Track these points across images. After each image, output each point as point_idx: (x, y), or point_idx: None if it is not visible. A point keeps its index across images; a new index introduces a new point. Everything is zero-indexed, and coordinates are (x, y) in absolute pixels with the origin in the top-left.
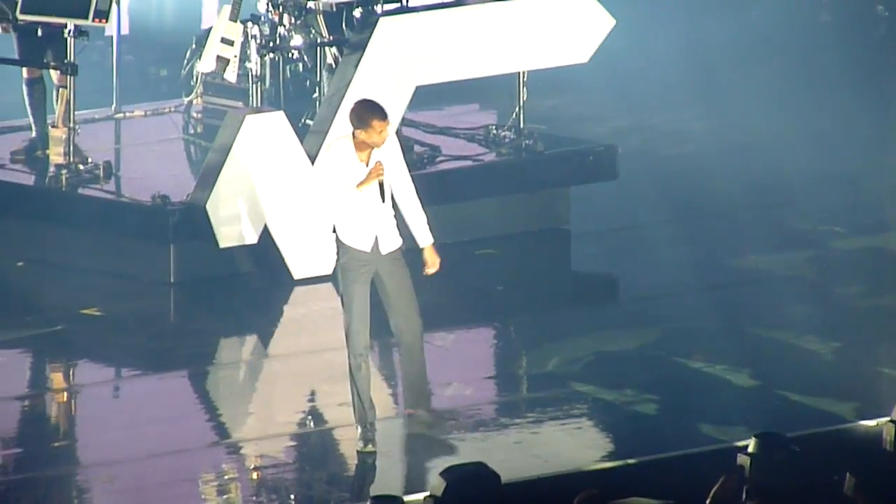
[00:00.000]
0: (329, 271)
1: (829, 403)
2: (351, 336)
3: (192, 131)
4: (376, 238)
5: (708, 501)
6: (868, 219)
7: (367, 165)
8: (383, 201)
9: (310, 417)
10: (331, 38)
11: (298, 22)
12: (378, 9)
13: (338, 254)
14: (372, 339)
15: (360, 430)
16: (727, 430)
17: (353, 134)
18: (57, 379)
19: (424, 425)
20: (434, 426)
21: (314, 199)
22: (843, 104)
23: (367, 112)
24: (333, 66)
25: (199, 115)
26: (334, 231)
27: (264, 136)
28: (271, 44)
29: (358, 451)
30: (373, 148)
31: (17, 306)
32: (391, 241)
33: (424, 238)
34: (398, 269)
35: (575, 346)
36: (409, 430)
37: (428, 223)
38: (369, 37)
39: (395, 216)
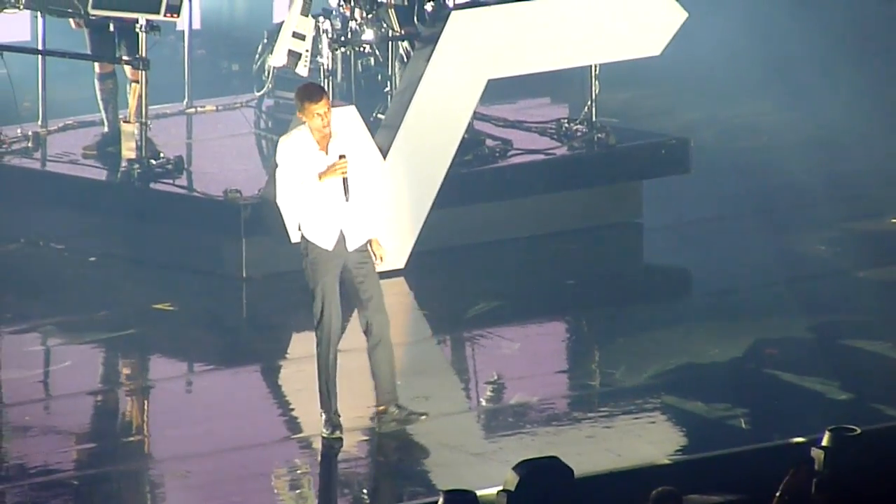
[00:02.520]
0: (401, 265)
1: None
2: (323, 325)
3: (263, 126)
4: (342, 233)
5: (778, 494)
6: None
7: (326, 154)
8: (347, 200)
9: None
10: (402, 31)
11: (370, 16)
12: (450, 2)
13: (305, 250)
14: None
15: (325, 416)
16: (801, 423)
17: None
18: (130, 374)
19: (396, 422)
20: (405, 422)
21: (276, 194)
22: None
23: (302, 96)
24: (405, 59)
25: (271, 110)
26: (299, 228)
27: None
28: (343, 38)
29: (324, 438)
30: (329, 136)
31: (90, 302)
32: (357, 237)
33: (371, 231)
34: (366, 262)
35: (648, 341)
36: (381, 428)
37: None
38: (441, 30)
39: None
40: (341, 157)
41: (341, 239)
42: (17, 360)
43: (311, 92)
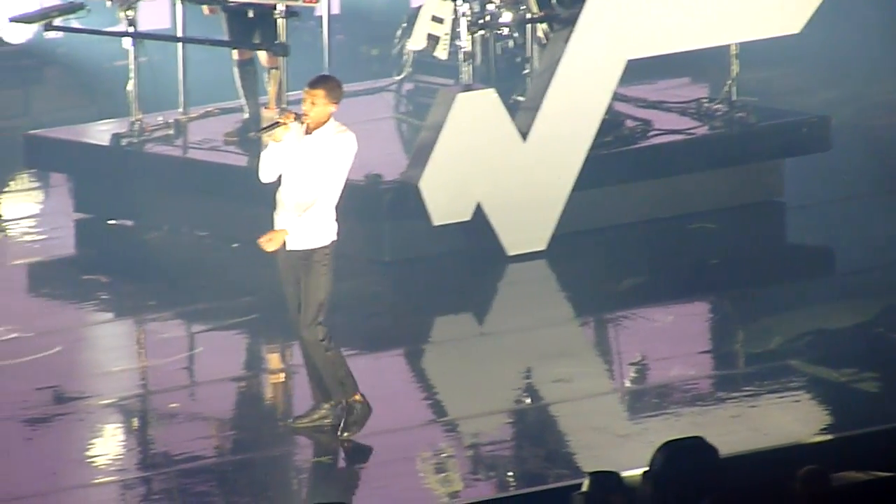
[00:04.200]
0: (542, 247)
1: None
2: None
3: (403, 110)
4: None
5: None
6: None
7: (301, 136)
8: (256, 133)
9: (526, 394)
10: (541, 13)
11: None
12: None
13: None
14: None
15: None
16: None
17: None
18: (273, 359)
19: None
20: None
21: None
22: None
23: None
24: (543, 41)
25: (410, 94)
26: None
27: (476, 113)
28: (481, 21)
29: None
30: (312, 126)
31: (233, 287)
32: (293, 240)
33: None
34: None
35: (791, 320)
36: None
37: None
38: (580, 11)
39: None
40: (292, 116)
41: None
42: (161, 347)
43: (311, 80)
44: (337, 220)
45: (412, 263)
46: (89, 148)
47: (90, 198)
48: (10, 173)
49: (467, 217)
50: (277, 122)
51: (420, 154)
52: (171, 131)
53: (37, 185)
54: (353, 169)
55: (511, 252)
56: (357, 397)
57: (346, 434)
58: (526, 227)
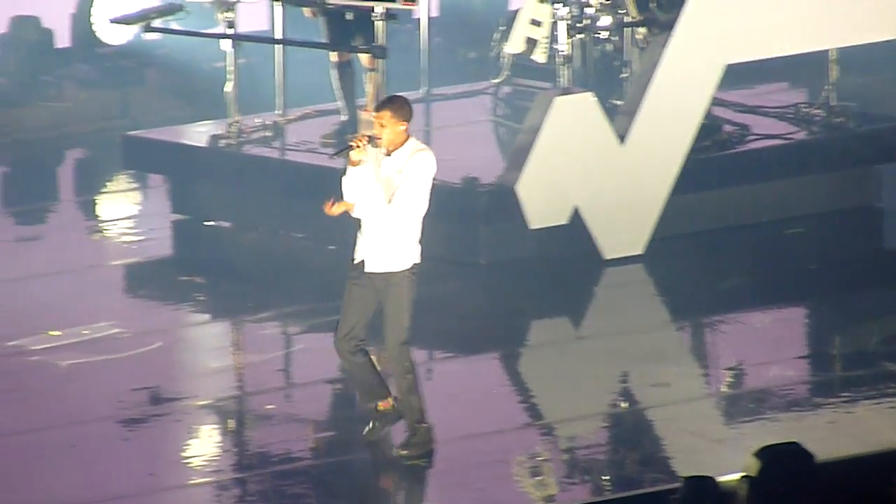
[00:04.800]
0: (640, 251)
1: None
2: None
3: (500, 113)
4: (364, 254)
5: None
6: None
7: (376, 161)
8: (333, 155)
9: (622, 398)
10: (640, 17)
11: (607, 2)
12: None
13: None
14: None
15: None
16: None
17: None
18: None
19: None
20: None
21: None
22: None
23: None
24: (642, 45)
25: (508, 97)
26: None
27: (574, 116)
28: (580, 24)
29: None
30: (390, 148)
31: (329, 289)
32: (374, 262)
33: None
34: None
35: (889, 325)
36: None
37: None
38: (678, 15)
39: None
40: (369, 138)
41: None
42: (257, 349)
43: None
44: (420, 241)
45: (508, 266)
46: (187, 149)
47: (188, 199)
48: (109, 174)
49: (564, 220)
50: (350, 145)
51: (517, 157)
52: (269, 133)
53: (135, 186)
54: (449, 172)
55: (608, 256)
56: (424, 425)
57: (404, 452)
58: (623, 231)
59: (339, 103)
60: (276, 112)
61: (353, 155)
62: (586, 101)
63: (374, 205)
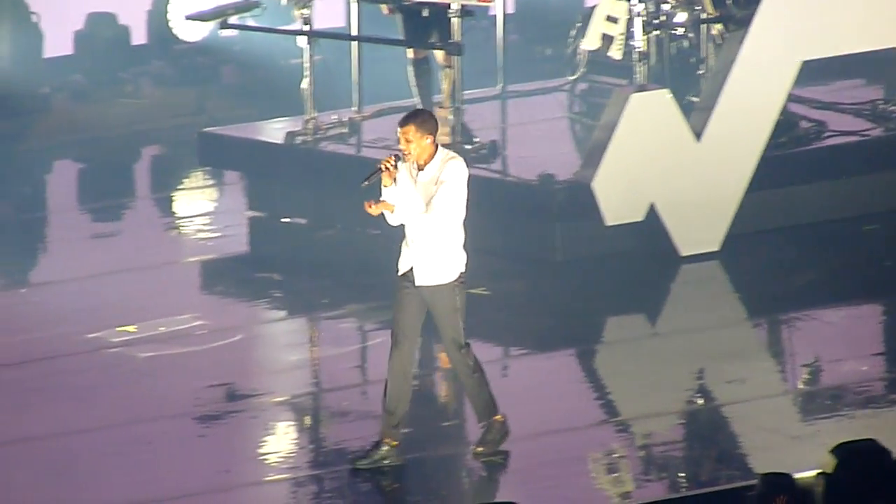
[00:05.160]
0: (716, 247)
1: None
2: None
3: (577, 109)
4: (411, 266)
5: None
6: None
7: (410, 176)
8: (364, 182)
9: (698, 395)
10: (716, 13)
11: None
12: None
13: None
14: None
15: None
16: None
17: None
18: (443, 359)
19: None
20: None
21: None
22: None
23: None
24: (718, 42)
25: (584, 94)
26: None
27: (650, 113)
28: (656, 21)
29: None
30: (420, 162)
31: None
32: (422, 276)
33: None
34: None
35: None
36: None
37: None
38: (755, 12)
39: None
40: (395, 157)
41: (410, 269)
42: (333, 345)
43: (403, 117)
44: (465, 247)
45: (584, 263)
46: (263, 146)
47: (264, 196)
48: (185, 171)
49: (640, 217)
50: (379, 169)
51: (593, 154)
52: (346, 130)
53: (211, 182)
54: (525, 169)
55: (684, 252)
56: (498, 417)
57: (480, 449)
58: (699, 228)
59: (416, 100)
60: (353, 109)
61: (385, 178)
62: (662, 98)
63: (413, 212)
